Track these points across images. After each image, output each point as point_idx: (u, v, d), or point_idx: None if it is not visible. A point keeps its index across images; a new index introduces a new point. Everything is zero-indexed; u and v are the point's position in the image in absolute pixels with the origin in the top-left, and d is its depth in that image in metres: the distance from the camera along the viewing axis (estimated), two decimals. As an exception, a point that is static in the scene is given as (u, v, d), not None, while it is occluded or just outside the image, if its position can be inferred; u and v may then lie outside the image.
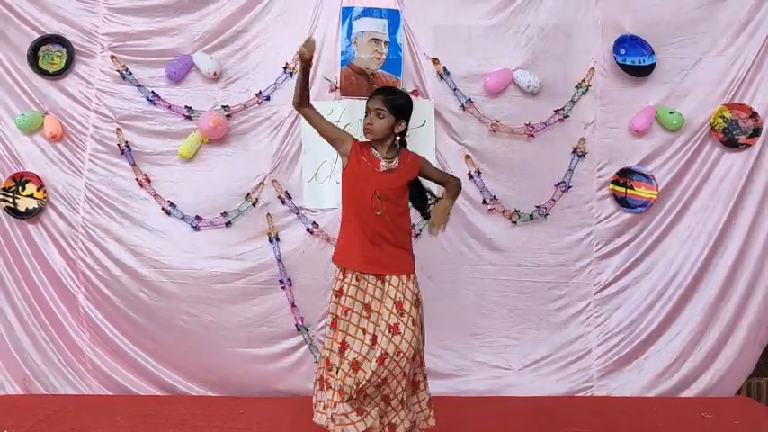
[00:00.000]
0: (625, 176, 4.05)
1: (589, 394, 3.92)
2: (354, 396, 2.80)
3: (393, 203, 2.90)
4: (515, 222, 4.03)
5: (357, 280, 2.89)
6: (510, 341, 4.00)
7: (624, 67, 4.01)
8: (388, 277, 2.87)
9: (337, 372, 2.87)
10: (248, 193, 3.97)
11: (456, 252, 4.00)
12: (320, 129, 3.00)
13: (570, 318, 4.03)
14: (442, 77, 3.99)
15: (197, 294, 3.94)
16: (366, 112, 2.95)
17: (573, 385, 3.93)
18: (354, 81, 4.01)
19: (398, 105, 2.92)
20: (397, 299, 2.85)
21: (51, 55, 4.04)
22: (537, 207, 4.04)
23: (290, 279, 3.95)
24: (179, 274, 3.94)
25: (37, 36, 3.98)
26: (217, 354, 3.91)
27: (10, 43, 3.99)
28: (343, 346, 2.87)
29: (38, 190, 4.00)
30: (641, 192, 4.07)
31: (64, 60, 4.01)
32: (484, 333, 4.00)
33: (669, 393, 3.91)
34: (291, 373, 3.93)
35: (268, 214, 3.96)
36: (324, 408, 2.90)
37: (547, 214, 4.05)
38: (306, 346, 3.95)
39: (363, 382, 2.78)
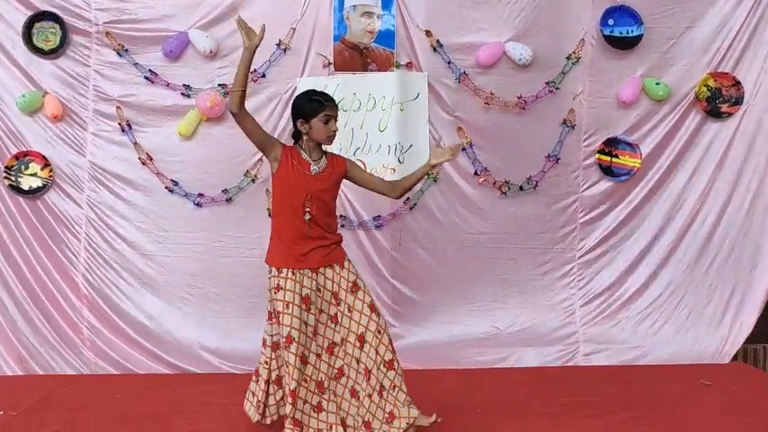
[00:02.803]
0: (610, 145, 3.44)
1: (573, 352, 3.39)
2: (312, 392, 2.35)
3: (324, 204, 2.39)
4: (505, 193, 3.44)
5: (293, 274, 2.35)
6: (498, 305, 3.46)
7: (611, 39, 3.33)
8: (321, 270, 2.38)
9: (288, 367, 2.32)
10: (247, 170, 3.36)
11: (448, 222, 3.42)
12: (251, 133, 2.39)
13: (555, 281, 3.48)
14: (435, 50, 3.31)
15: (201, 268, 3.38)
16: (326, 120, 2.37)
17: (559, 345, 3.40)
18: (348, 56, 3.31)
19: None
20: (333, 290, 2.39)
21: (45, 32, 3.33)
22: (527, 179, 3.45)
23: (289, 252, 3.45)
24: (183, 248, 3.38)
25: (29, 13, 3.26)
26: (221, 325, 3.36)
27: (4, 21, 3.28)
28: (288, 339, 2.32)
29: (42, 169, 3.40)
30: (625, 160, 3.50)
31: (58, 37, 3.28)
32: (474, 298, 3.45)
33: (651, 353, 3.37)
34: None
35: (267, 190, 3.33)
36: (259, 402, 2.46)
37: (536, 185, 3.45)
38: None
39: (319, 376, 2.35)
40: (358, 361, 2.35)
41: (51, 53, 3.32)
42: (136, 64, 3.32)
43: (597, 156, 3.46)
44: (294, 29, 3.31)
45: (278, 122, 3.36)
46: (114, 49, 3.31)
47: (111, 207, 3.40)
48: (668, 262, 3.47)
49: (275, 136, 3.35)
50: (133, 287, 3.40)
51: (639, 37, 3.35)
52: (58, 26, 3.30)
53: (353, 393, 2.37)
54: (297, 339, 2.31)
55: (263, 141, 2.41)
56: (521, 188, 3.44)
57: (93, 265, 3.39)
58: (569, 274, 3.51)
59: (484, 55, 3.32)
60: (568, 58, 3.38)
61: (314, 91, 2.45)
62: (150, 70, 3.32)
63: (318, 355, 2.38)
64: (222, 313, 3.40)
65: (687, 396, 2.83)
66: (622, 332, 3.43)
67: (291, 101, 2.54)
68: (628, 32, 3.35)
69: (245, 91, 2.32)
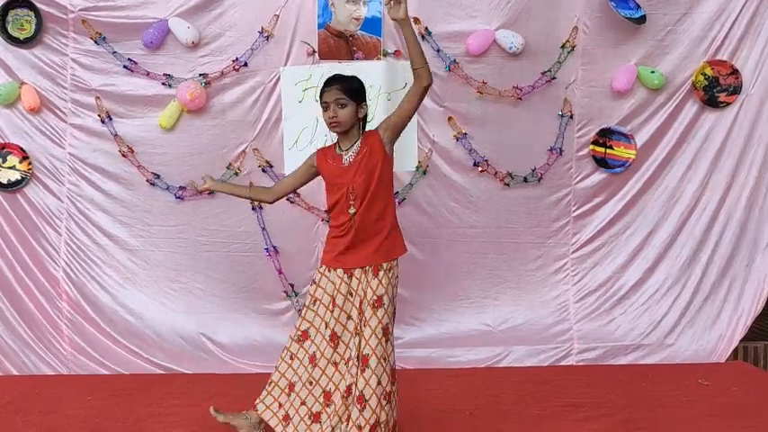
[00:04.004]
0: (604, 136, 3.17)
1: (567, 349, 3.13)
2: (315, 399, 2.11)
3: (370, 194, 2.09)
4: (508, 185, 3.16)
5: (329, 271, 2.13)
6: (490, 301, 3.19)
7: (629, 20, 3.03)
8: (357, 273, 2.11)
9: (292, 359, 2.14)
10: (230, 163, 3.09)
11: (438, 215, 3.15)
12: (300, 185, 2.33)
13: (548, 276, 3.21)
14: (423, 38, 3.02)
15: (184, 262, 3.13)
16: (324, 107, 2.12)
17: (552, 342, 3.14)
18: (333, 44, 3.05)
19: (356, 89, 2.14)
20: (360, 296, 2.11)
21: (20, 20, 3.05)
22: (532, 171, 3.17)
23: (275, 247, 3.12)
24: (166, 242, 3.13)
25: (2, 0, 2.98)
26: (204, 321, 3.12)
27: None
28: (304, 335, 2.12)
29: (20, 161, 3.15)
30: (620, 151, 3.23)
31: (33, 25, 3.01)
32: (465, 294, 3.18)
33: (647, 350, 3.12)
34: (278, 337, 3.05)
35: (251, 183, 3.06)
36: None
37: (541, 178, 3.18)
38: (293, 311, 3.14)
39: (329, 386, 2.09)
40: (355, 384, 2.05)
41: (27, 42, 3.05)
42: (114, 52, 3.05)
43: (591, 147, 3.19)
44: (277, 16, 3.04)
45: (261, 113, 3.09)
46: (91, 38, 3.04)
47: (93, 200, 3.15)
48: (665, 257, 3.20)
49: (259, 127, 3.12)
50: (115, 282, 3.15)
51: (643, 17, 3.07)
52: (32, 13, 3.03)
53: (326, 395, 2.11)
54: (312, 338, 2.10)
55: (310, 177, 2.29)
56: (525, 180, 3.18)
57: (74, 260, 3.14)
58: (563, 270, 3.25)
59: (474, 43, 3.05)
60: (563, 46, 3.11)
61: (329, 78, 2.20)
62: (129, 59, 3.06)
63: (336, 364, 2.10)
64: (206, 309, 3.14)
65: (685, 397, 2.58)
66: (617, 329, 3.17)
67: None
68: (630, 15, 3.08)
69: (241, 195, 2.39)
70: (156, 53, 3.07)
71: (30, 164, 3.12)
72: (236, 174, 3.11)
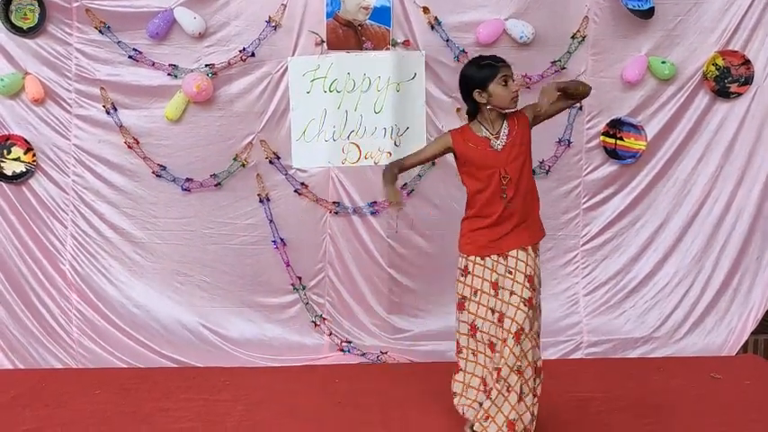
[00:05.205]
0: (615, 127, 3.10)
1: (577, 343, 3.07)
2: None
3: (520, 176, 2.07)
4: None
5: (482, 258, 2.10)
6: (500, 294, 3.23)
7: (635, 12, 2.95)
8: (513, 253, 2.08)
9: (474, 355, 2.14)
10: (237, 154, 3.01)
11: (447, 208, 3.05)
12: (426, 160, 2.33)
13: (558, 269, 3.13)
14: (433, 27, 2.96)
15: (190, 255, 3.06)
16: (508, 79, 2.08)
17: (562, 336, 3.07)
18: (341, 34, 2.97)
19: None
20: (528, 273, 2.08)
21: (23, 9, 2.96)
22: (540, 163, 3.10)
23: (282, 239, 3.06)
24: (172, 235, 3.06)
25: (5, -11, 2.94)
26: (211, 314, 3.06)
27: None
28: (473, 328, 2.09)
29: (25, 153, 3.07)
30: (630, 143, 3.16)
31: (37, 14, 2.92)
32: (474, 287, 3.22)
33: (657, 344, 3.06)
34: (286, 330, 3.08)
35: (258, 175, 3.03)
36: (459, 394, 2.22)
37: (549, 170, 3.11)
38: (300, 304, 3.10)
39: (501, 363, 2.03)
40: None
41: (30, 31, 2.96)
42: (119, 42, 2.97)
43: (602, 138, 3.11)
44: (285, 5, 2.95)
45: (268, 104, 3.01)
46: (95, 27, 2.95)
47: (98, 192, 3.07)
48: (675, 250, 3.13)
49: (266, 118, 3.04)
50: (121, 275, 3.08)
51: (652, 9, 2.99)
52: (36, 3, 2.94)
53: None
54: (481, 328, 2.10)
55: (439, 153, 2.25)
56: (533, 172, 3.10)
57: (80, 253, 3.07)
58: (572, 262, 3.17)
59: (484, 32, 2.96)
60: (573, 36, 3.03)
61: (481, 56, 2.17)
62: (134, 49, 2.97)
63: (504, 340, 2.04)
64: (212, 302, 3.08)
65: (697, 391, 2.52)
66: (627, 323, 3.10)
67: (460, 73, 2.16)
68: (639, 6, 3.00)
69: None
70: (161, 43, 2.98)
71: (34, 155, 3.04)
72: (243, 165, 3.04)
